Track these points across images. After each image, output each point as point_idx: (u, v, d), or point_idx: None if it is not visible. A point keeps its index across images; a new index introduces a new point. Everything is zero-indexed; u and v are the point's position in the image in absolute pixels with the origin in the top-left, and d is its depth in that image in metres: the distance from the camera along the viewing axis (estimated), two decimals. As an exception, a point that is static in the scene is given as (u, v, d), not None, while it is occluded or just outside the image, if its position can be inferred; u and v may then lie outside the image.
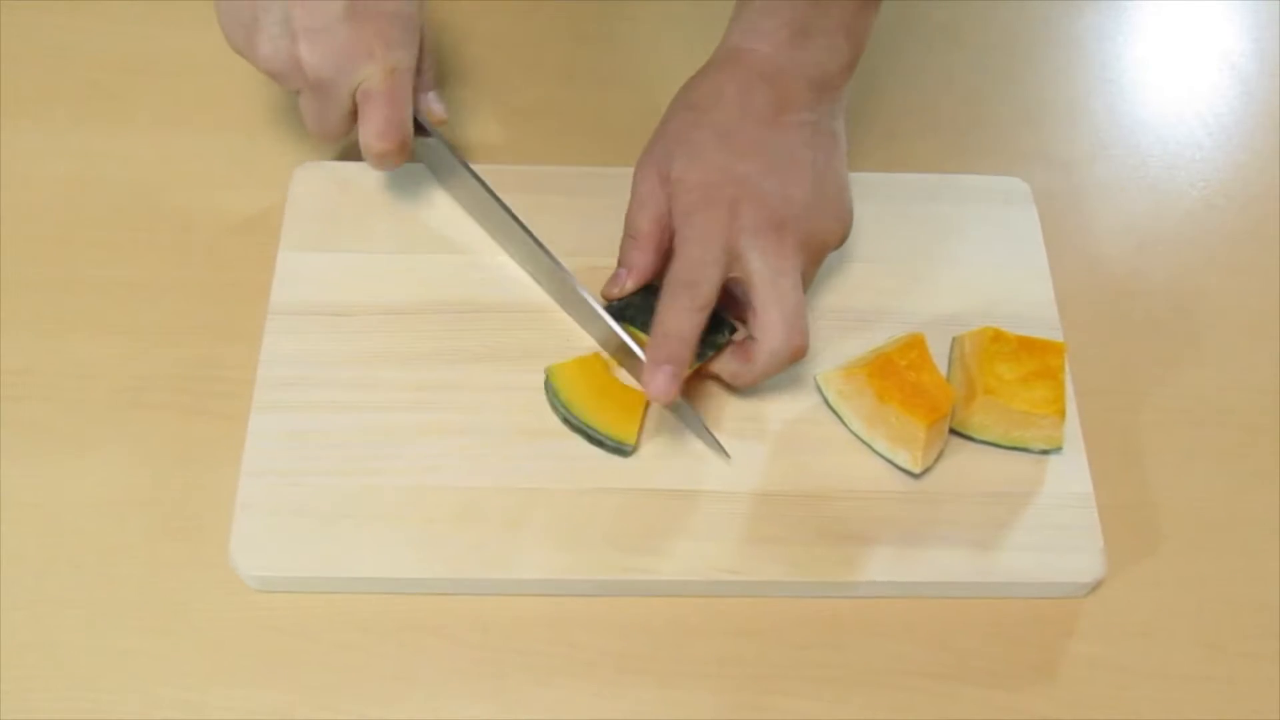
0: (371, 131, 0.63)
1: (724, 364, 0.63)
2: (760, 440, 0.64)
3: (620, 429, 0.62)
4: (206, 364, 0.66)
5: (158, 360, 0.66)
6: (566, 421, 0.63)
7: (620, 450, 0.62)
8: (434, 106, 0.69)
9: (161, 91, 0.76)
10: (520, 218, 0.66)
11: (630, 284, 0.64)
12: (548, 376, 0.63)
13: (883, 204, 0.71)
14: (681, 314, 0.59)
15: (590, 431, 0.62)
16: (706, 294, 0.59)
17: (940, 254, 0.70)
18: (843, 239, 0.64)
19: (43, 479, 0.62)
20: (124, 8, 0.80)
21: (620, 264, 0.64)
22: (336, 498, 0.60)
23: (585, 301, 0.64)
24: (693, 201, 0.60)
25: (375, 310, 0.66)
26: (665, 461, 0.63)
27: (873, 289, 0.68)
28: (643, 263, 0.64)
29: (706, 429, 0.62)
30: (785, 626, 0.60)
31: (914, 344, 0.63)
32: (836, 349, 0.66)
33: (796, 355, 0.60)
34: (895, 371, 0.62)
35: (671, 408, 0.63)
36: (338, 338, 0.65)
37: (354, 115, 0.64)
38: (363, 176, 0.71)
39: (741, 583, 0.60)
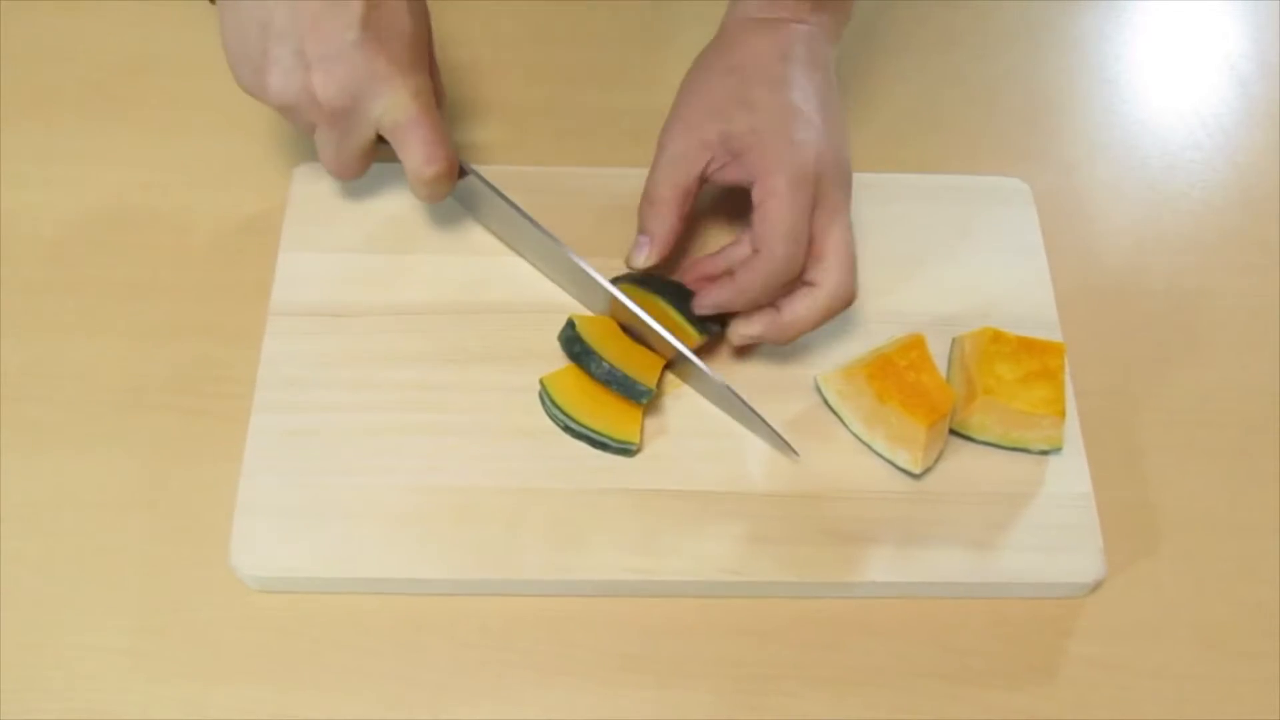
0: (417, 158, 0.61)
1: (765, 325, 0.63)
2: (760, 440, 0.64)
3: (623, 430, 0.62)
4: (206, 364, 0.66)
5: (158, 360, 0.66)
6: (568, 429, 0.62)
7: (625, 450, 0.62)
8: None
9: (161, 92, 0.76)
10: (552, 234, 0.64)
11: (653, 253, 0.63)
12: (542, 387, 0.63)
13: (883, 204, 0.71)
14: (768, 279, 0.60)
15: (594, 436, 0.62)
16: (801, 258, 0.60)
17: (940, 254, 0.70)
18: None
19: (43, 479, 0.62)
20: (124, 8, 0.80)
21: (641, 231, 0.64)
22: (336, 498, 0.60)
23: (643, 322, 0.63)
24: (769, 150, 0.60)
25: (375, 310, 0.66)
26: (665, 462, 0.63)
27: (873, 289, 0.68)
28: (663, 230, 0.63)
29: (768, 424, 0.62)
30: (785, 627, 0.60)
31: (914, 344, 0.63)
32: (837, 349, 0.66)
33: (848, 303, 0.62)
34: (895, 372, 0.62)
35: (729, 408, 0.64)
36: (338, 338, 0.65)
37: (373, 150, 0.62)
38: (362, 177, 0.71)
39: (742, 583, 0.60)
